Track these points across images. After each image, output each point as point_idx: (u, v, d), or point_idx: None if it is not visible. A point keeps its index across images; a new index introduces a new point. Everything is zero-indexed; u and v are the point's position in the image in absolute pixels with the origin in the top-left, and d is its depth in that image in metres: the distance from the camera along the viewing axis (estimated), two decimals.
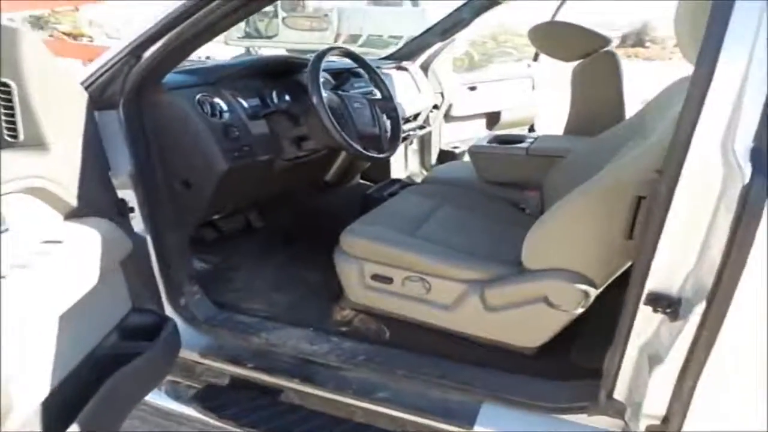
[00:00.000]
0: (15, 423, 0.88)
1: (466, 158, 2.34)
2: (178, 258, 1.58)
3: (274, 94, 1.81)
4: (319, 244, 1.71)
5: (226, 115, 1.56)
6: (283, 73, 1.90)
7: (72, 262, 0.99)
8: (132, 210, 1.42)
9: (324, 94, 1.59)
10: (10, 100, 0.94)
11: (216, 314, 1.65)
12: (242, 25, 9.60)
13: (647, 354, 1.07)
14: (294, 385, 1.46)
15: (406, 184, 2.43)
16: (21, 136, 0.98)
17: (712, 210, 0.89)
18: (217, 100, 1.56)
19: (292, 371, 1.48)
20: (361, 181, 2.86)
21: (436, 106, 2.90)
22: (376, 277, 1.52)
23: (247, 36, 9.65)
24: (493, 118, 3.34)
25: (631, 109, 2.09)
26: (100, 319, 1.14)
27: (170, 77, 1.49)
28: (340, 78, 1.99)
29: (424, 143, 3.06)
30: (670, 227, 0.94)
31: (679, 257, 0.95)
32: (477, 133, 3.20)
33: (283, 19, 9.32)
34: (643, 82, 2.97)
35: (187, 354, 1.56)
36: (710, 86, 0.83)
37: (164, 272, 1.53)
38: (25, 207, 0.99)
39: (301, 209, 2.40)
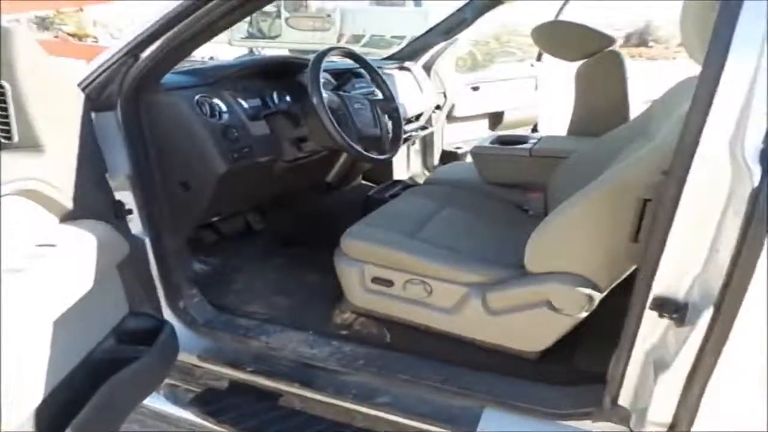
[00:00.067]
0: (7, 430, 0.87)
1: (469, 159, 2.32)
2: (176, 260, 1.56)
3: (274, 95, 1.80)
4: (320, 246, 1.69)
5: (226, 116, 1.55)
6: (284, 74, 1.88)
7: (66, 266, 0.98)
8: (130, 212, 1.41)
9: (324, 94, 1.58)
10: (3, 101, 0.93)
11: (215, 317, 1.63)
12: (245, 25, 9.64)
13: (653, 359, 1.05)
14: (294, 389, 1.44)
15: (408, 185, 2.41)
16: (15, 138, 0.96)
17: (720, 213, 0.87)
18: (216, 100, 1.54)
19: (291, 375, 1.46)
20: (363, 182, 2.84)
21: (438, 107, 2.88)
22: (376, 280, 1.50)
23: (251, 36, 9.68)
24: (496, 119, 3.32)
25: (635, 109, 2.07)
26: (96, 324, 1.12)
27: (169, 78, 1.48)
28: (342, 78, 1.97)
29: (427, 144, 3.04)
30: (676, 230, 0.91)
31: (685, 261, 0.93)
32: (480, 133, 3.18)
33: (286, 19, 9.36)
34: (647, 81, 2.94)
35: (185, 357, 1.54)
36: (718, 86, 0.81)
37: (163, 275, 1.52)
38: (19, 210, 0.97)
39: (302, 211, 2.38)
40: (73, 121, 1.11)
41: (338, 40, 8.84)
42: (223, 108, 1.55)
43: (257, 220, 2.20)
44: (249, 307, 1.71)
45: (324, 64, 1.64)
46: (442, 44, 2.77)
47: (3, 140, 0.94)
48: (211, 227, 2.03)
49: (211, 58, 7.10)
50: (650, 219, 0.99)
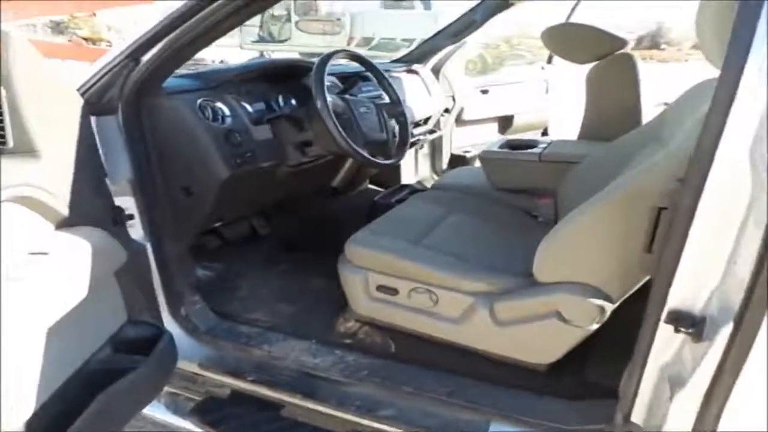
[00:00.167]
0: None
1: (478, 163, 2.28)
2: (178, 267, 1.54)
3: (279, 98, 1.77)
4: (325, 252, 1.66)
5: (228, 120, 1.52)
6: (290, 77, 1.86)
7: (59, 275, 0.95)
8: (131, 217, 1.39)
9: (329, 98, 1.55)
10: None
11: (217, 324, 1.60)
12: (256, 29, 9.70)
13: (668, 375, 1.00)
14: (296, 400, 1.41)
15: (415, 190, 2.38)
16: (10, 143, 0.94)
17: (740, 223, 0.82)
18: (219, 104, 1.52)
19: (293, 385, 1.42)
20: (370, 186, 2.81)
21: (447, 110, 2.85)
22: (381, 288, 1.47)
23: (261, 40, 9.75)
24: (505, 122, 3.28)
25: (647, 112, 2.02)
26: (92, 333, 1.10)
27: (171, 81, 1.46)
28: (348, 82, 1.94)
29: (435, 148, 3.01)
30: (693, 241, 0.87)
31: (702, 273, 0.88)
32: (489, 137, 3.14)
33: (296, 23, 9.42)
34: (659, 84, 2.89)
35: (186, 365, 1.52)
36: (738, 90, 0.76)
37: (164, 281, 1.50)
38: (13, 217, 0.95)
39: (307, 216, 2.36)
40: (70, 126, 1.09)
41: (348, 44, 8.85)
42: (226, 112, 1.53)
43: (262, 225, 2.18)
44: (252, 315, 1.68)
45: (331, 68, 1.61)
46: (451, 47, 2.74)
47: None
48: (215, 233, 2.00)
49: (222, 62, 7.14)
50: (665, 229, 0.95)
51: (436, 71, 2.73)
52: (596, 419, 1.18)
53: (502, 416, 1.25)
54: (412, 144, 2.42)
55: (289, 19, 9.48)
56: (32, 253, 0.92)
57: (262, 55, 9.39)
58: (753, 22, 0.75)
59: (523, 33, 9.11)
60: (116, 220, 1.20)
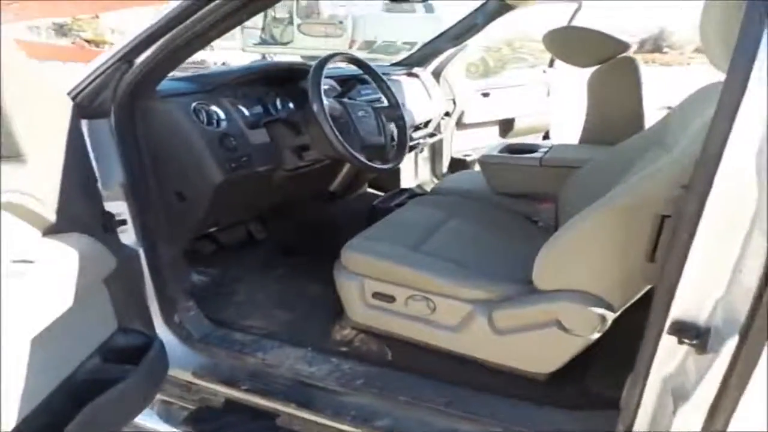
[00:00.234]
0: None
1: (478, 167, 2.26)
2: (172, 272, 1.51)
3: (277, 102, 1.75)
4: (323, 257, 1.63)
5: (224, 124, 1.50)
6: (288, 80, 1.83)
7: (45, 283, 0.93)
8: (123, 222, 1.37)
9: (325, 102, 1.52)
10: None
11: (212, 331, 1.58)
12: (258, 32, 9.73)
13: (671, 387, 0.97)
14: (290, 409, 1.37)
15: (414, 194, 2.36)
16: None
17: (746, 231, 0.79)
18: (214, 108, 1.50)
19: (288, 394, 1.39)
20: (369, 189, 2.78)
21: (447, 113, 2.83)
22: (377, 295, 1.44)
23: (263, 42, 9.79)
24: (506, 126, 3.25)
25: (649, 116, 1.99)
26: (80, 341, 1.07)
27: (165, 84, 1.44)
28: (347, 85, 1.91)
29: (435, 151, 2.99)
30: (697, 249, 0.84)
31: (707, 283, 0.86)
32: (490, 140, 3.12)
33: (299, 25, 9.45)
34: (662, 88, 2.86)
35: (180, 374, 1.49)
36: (744, 95, 0.74)
37: (157, 287, 1.47)
38: None
39: (305, 220, 2.33)
40: (59, 130, 1.06)
41: (350, 47, 8.86)
42: (221, 115, 1.51)
43: (259, 229, 2.15)
44: (246, 321, 1.65)
45: (330, 71, 1.59)
46: (452, 50, 2.72)
47: None
48: (210, 237, 1.98)
49: (224, 64, 7.14)
50: (668, 237, 0.92)
51: (436, 74, 2.71)
52: (597, 430, 1.14)
53: (501, 427, 1.22)
54: (412, 148, 2.40)
55: (291, 22, 9.51)
56: (17, 261, 0.90)
57: (264, 57, 9.42)
58: (761, 22, 0.72)
59: (525, 36, 9.10)
60: (106, 226, 1.17)
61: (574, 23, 3.08)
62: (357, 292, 1.46)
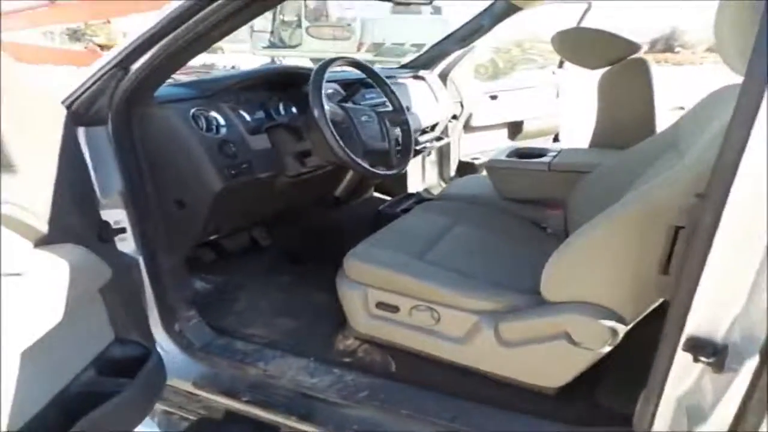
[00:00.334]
0: None
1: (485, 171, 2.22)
2: (172, 281, 1.49)
3: (280, 107, 1.72)
4: (327, 264, 1.59)
5: (223, 130, 1.47)
6: (291, 85, 1.80)
7: (35, 295, 0.90)
8: (123, 231, 1.35)
9: (327, 107, 1.49)
10: None
11: (213, 340, 1.55)
12: (267, 35, 9.77)
13: (686, 405, 0.92)
14: (291, 422, 1.34)
15: (422, 199, 2.32)
16: None
17: (765, 243, 0.75)
18: (213, 114, 1.47)
19: (290, 406, 1.36)
20: (376, 194, 2.75)
21: (455, 116, 2.78)
22: (381, 305, 1.40)
23: (272, 46, 9.82)
24: (515, 128, 3.21)
25: (662, 116, 1.94)
26: (74, 354, 1.05)
27: (164, 90, 1.41)
28: (351, 89, 1.88)
29: (443, 155, 2.95)
30: (713, 262, 0.79)
31: (724, 298, 0.81)
32: (499, 143, 3.07)
33: (307, 28, 9.48)
34: (674, 87, 2.80)
35: (180, 384, 1.46)
36: (763, 98, 0.69)
37: (158, 296, 1.45)
38: None
39: (310, 226, 2.30)
40: (52, 139, 1.04)
41: (358, 49, 8.87)
42: (221, 122, 1.48)
43: (263, 236, 2.12)
44: (249, 330, 1.62)
45: (334, 75, 1.56)
46: (459, 52, 2.68)
47: None
48: (213, 244, 1.95)
49: (233, 67, 7.16)
50: (683, 248, 0.88)
51: (443, 77, 2.67)
52: None
53: None
54: (419, 152, 2.36)
55: (299, 25, 9.55)
56: (5, 274, 0.87)
57: (273, 60, 9.45)
58: None
59: (534, 37, 9.03)
60: (102, 236, 1.14)
61: (584, 24, 3.03)
62: (360, 301, 1.43)
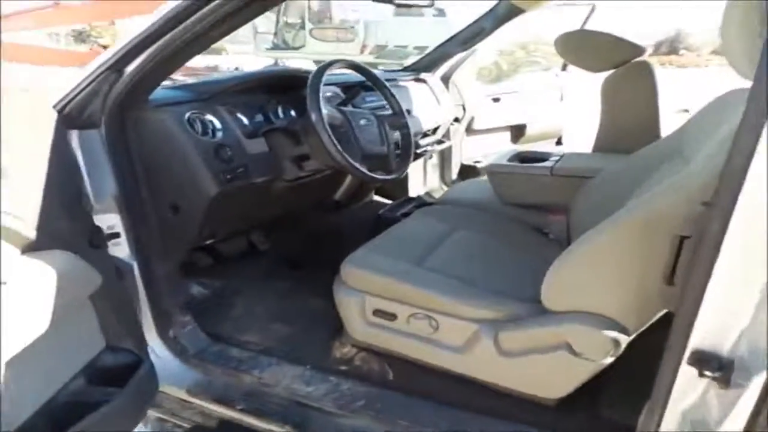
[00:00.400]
0: None
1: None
2: (167, 286, 1.46)
3: (279, 110, 1.70)
4: (326, 269, 1.56)
5: (219, 134, 1.45)
6: (291, 88, 1.78)
7: (21, 302, 0.88)
8: (117, 235, 1.32)
9: (324, 110, 1.46)
10: None
11: (207, 346, 1.53)
12: (270, 36, 9.78)
13: (691, 420, 0.89)
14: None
15: (422, 203, 2.29)
16: None
17: None
18: (209, 117, 1.45)
19: (284, 415, 1.33)
20: (376, 197, 2.72)
21: (456, 119, 2.76)
22: (378, 312, 1.37)
23: (275, 47, 9.84)
24: (518, 131, 3.18)
25: (666, 119, 1.91)
26: (62, 362, 1.02)
27: (159, 93, 1.39)
28: (351, 92, 1.85)
29: (445, 158, 2.92)
30: (720, 273, 0.76)
31: (731, 310, 0.78)
32: (501, 146, 3.05)
33: (311, 30, 9.49)
34: (679, 90, 2.76)
35: (174, 391, 1.44)
36: None
37: (152, 302, 1.42)
38: None
39: (309, 230, 2.27)
40: (41, 143, 1.02)
41: (361, 51, 8.87)
42: (217, 125, 1.45)
43: (262, 240, 2.10)
44: (244, 336, 1.60)
45: (334, 77, 1.53)
46: (461, 54, 2.65)
47: None
48: (210, 249, 1.93)
49: (237, 69, 7.15)
50: (688, 258, 0.84)
51: (445, 79, 2.65)
52: None
53: None
54: (420, 155, 2.33)
55: (303, 27, 9.56)
56: None
57: (276, 62, 9.45)
58: None
59: (538, 39, 9.00)
60: (93, 242, 1.12)
61: (589, 26, 3.00)
62: (357, 308, 1.40)
